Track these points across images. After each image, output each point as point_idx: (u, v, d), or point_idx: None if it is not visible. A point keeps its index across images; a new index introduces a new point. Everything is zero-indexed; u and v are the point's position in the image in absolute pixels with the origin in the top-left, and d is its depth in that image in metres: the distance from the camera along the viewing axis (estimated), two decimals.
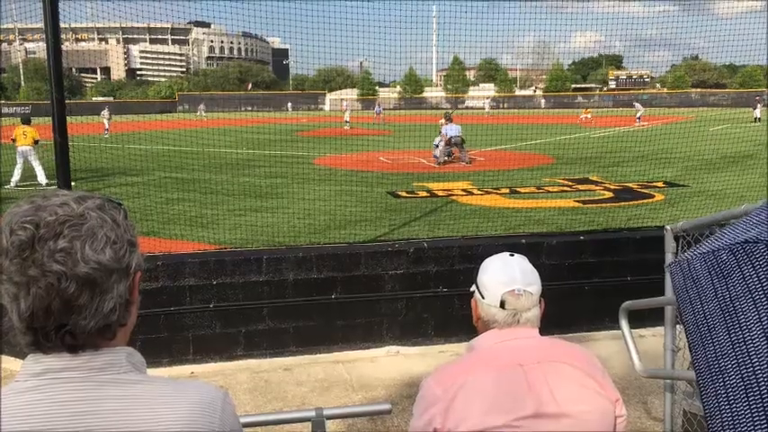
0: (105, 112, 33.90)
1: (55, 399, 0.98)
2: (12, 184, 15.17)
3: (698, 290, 0.87)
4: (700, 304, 0.86)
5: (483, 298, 1.85)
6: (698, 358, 0.85)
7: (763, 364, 0.75)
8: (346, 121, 37.86)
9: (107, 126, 32.39)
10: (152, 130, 32.05)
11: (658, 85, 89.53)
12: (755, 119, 35.66)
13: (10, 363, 4.65)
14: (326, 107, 79.30)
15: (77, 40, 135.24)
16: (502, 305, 1.80)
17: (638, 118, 37.98)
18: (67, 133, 4.91)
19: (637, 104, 41.90)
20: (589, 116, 42.62)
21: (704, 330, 0.84)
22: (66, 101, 5.06)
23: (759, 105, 37.16)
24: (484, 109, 59.50)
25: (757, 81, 77.98)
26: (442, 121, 21.49)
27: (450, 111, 25.52)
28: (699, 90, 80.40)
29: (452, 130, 20.30)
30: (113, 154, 18.23)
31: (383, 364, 5.62)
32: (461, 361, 1.84)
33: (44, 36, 4.68)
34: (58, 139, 4.82)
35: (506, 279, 1.82)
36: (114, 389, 1.01)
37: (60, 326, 0.99)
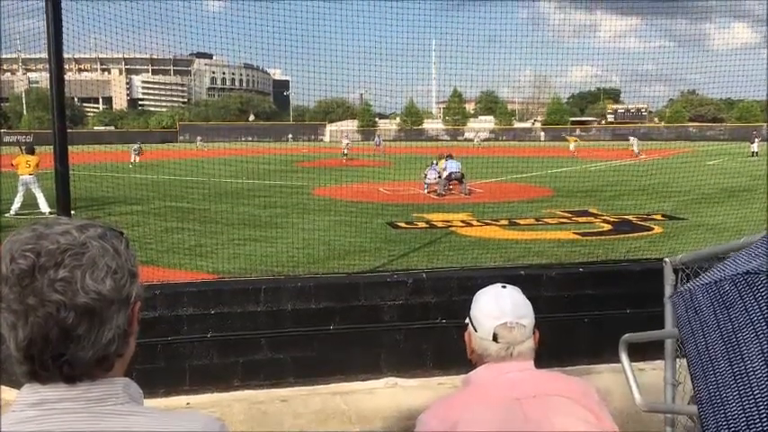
0: (135, 146, 33.85)
1: (52, 430, 0.97)
2: (12, 212, 15.19)
3: (700, 321, 0.88)
4: (702, 335, 0.86)
5: (476, 331, 1.84)
6: (700, 389, 0.84)
7: (765, 395, 0.75)
8: (344, 153, 37.43)
9: (134, 158, 32.22)
10: (153, 159, 32.17)
11: (656, 119, 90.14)
12: (753, 153, 35.83)
13: (5, 392, 4.61)
14: (327, 138, 79.72)
15: (80, 70, 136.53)
16: (494, 338, 1.78)
17: (638, 152, 38.20)
18: (68, 162, 4.93)
19: (632, 138, 42.20)
20: (572, 147, 42.63)
21: (706, 361, 0.84)
22: (68, 130, 5.09)
23: (757, 140, 37.38)
24: (473, 141, 59.27)
25: (754, 116, 78.58)
26: (435, 159, 22.19)
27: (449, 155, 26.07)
28: (696, 124, 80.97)
29: (453, 165, 20.72)
30: (114, 183, 18.28)
31: (381, 396, 5.57)
32: (457, 395, 1.82)
33: (47, 66, 4.73)
34: (59, 167, 4.83)
35: (498, 312, 1.81)
36: (112, 420, 1.00)
37: (58, 355, 0.98)
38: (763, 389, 0.75)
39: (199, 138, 58.44)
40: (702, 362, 0.85)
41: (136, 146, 34.22)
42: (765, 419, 0.73)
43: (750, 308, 0.80)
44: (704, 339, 0.86)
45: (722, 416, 0.79)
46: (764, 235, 0.94)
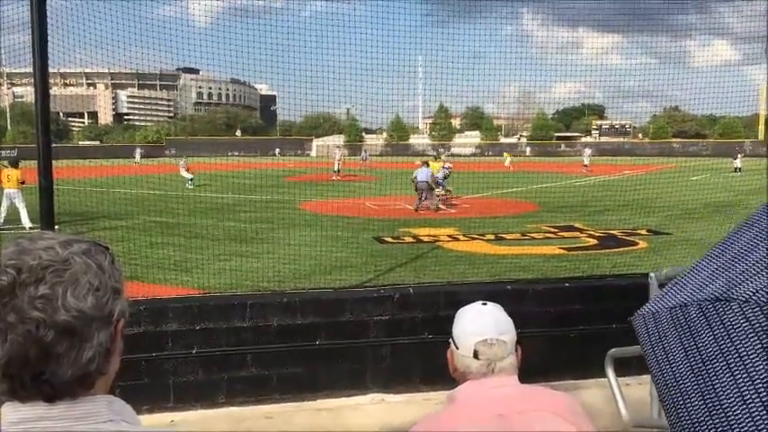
0: (182, 162, 31.93)
1: None
2: None
3: (664, 347, 0.85)
4: (668, 366, 0.84)
5: (457, 348, 1.84)
6: (672, 420, 0.82)
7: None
8: (337, 170, 34.65)
9: (185, 173, 30.38)
10: (138, 174, 31.97)
11: (640, 134, 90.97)
12: (736, 168, 36.24)
13: None
14: (313, 153, 79.64)
15: (66, 84, 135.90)
16: (475, 355, 1.79)
17: (586, 166, 39.05)
18: (53, 177, 4.90)
19: (586, 151, 43.04)
20: (507, 162, 42.77)
21: (677, 395, 0.81)
22: (53, 144, 5.05)
23: (740, 156, 37.84)
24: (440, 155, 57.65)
25: (737, 132, 79.50)
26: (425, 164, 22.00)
27: (439, 153, 26.37)
28: (680, 140, 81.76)
29: (420, 174, 20.54)
30: (98, 198, 18.15)
31: (367, 413, 5.53)
32: (442, 413, 1.82)
33: (32, 80, 4.70)
34: (44, 182, 4.79)
35: (478, 329, 1.81)
36: None
37: (37, 374, 0.96)
38: (742, 425, 0.73)
39: (138, 152, 55.47)
40: (672, 395, 0.82)
41: (182, 161, 32.12)
42: None
43: (720, 338, 0.78)
44: (671, 370, 0.83)
45: None
46: (719, 243, 0.92)
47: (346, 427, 5.22)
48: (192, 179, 29.45)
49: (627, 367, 5.50)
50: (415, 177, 20.46)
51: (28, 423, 0.96)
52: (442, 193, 21.77)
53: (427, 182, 20.23)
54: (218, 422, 5.26)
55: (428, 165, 21.35)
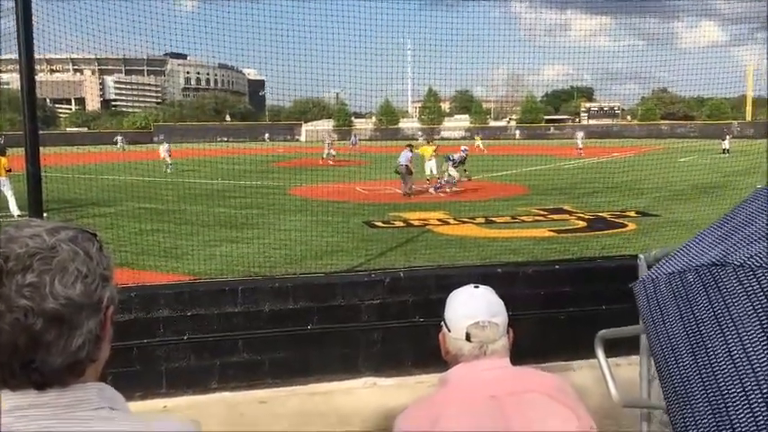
0: (164, 147, 31.71)
1: None
2: None
3: (662, 311, 0.88)
4: (663, 326, 0.86)
5: (449, 331, 1.85)
6: (665, 383, 0.84)
7: (730, 390, 0.75)
8: (330, 154, 34.08)
9: (168, 158, 30.43)
10: (126, 161, 31.78)
11: (629, 116, 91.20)
12: (724, 150, 36.42)
13: None
14: (303, 138, 79.39)
15: (52, 71, 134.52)
16: (467, 338, 1.79)
17: (580, 149, 39.06)
18: (40, 164, 4.85)
19: (578, 134, 42.98)
20: (477, 143, 42.42)
21: (669, 354, 0.84)
22: (40, 131, 5.01)
23: (728, 137, 38.02)
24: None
25: (724, 113, 79.86)
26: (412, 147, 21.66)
27: (431, 138, 26.10)
28: (668, 122, 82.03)
29: (402, 157, 20.30)
30: (87, 185, 18.02)
31: (360, 396, 5.56)
32: (434, 396, 1.82)
33: (18, 67, 4.64)
34: (31, 169, 4.75)
35: (471, 312, 1.82)
36: (83, 426, 0.98)
37: (27, 362, 0.95)
38: (729, 383, 0.75)
39: (119, 138, 53.74)
40: (665, 354, 0.85)
41: (165, 146, 31.90)
42: (733, 414, 0.74)
43: (714, 301, 0.80)
44: (666, 331, 0.86)
45: (689, 411, 0.79)
46: (720, 219, 0.94)
47: (339, 410, 5.25)
48: (170, 164, 29.47)
49: (617, 348, 5.55)
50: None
51: (18, 411, 0.96)
52: (459, 177, 21.32)
53: (406, 165, 19.94)
54: (211, 408, 5.27)
55: (411, 148, 21.03)
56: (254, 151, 43.37)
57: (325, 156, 33.86)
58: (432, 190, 20.93)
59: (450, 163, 21.27)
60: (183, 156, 33.27)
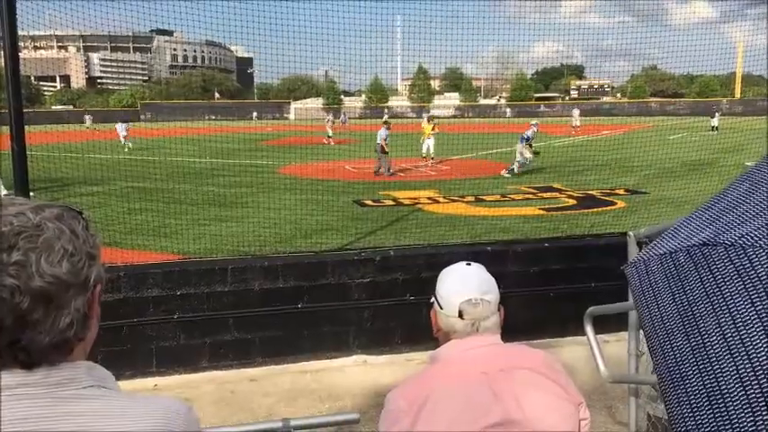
0: (121, 126, 31.60)
1: (12, 416, 0.94)
2: None
3: (654, 293, 0.88)
4: (656, 307, 0.86)
5: (441, 308, 1.85)
6: (659, 364, 0.85)
7: (724, 370, 0.75)
8: (329, 136, 32.48)
9: (123, 138, 30.54)
10: (114, 139, 31.53)
11: (618, 94, 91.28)
12: (713, 127, 36.53)
13: None
14: (291, 116, 78.97)
15: (36, 48, 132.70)
16: (460, 315, 1.79)
17: (575, 127, 38.77)
18: (25, 142, 4.80)
19: (574, 112, 42.38)
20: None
21: (662, 335, 0.84)
22: (25, 110, 4.94)
23: (717, 114, 38.10)
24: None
25: (713, 90, 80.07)
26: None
27: (431, 118, 25.03)
28: (657, 100, 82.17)
29: (379, 136, 19.41)
30: (73, 163, 17.88)
31: (351, 374, 5.59)
32: (425, 372, 1.83)
33: (1, 44, 4.57)
34: (16, 147, 4.70)
35: (463, 289, 1.82)
36: (74, 405, 0.97)
37: (13, 342, 0.94)
38: (722, 363, 0.75)
39: (88, 117, 50.99)
40: (659, 336, 0.85)
41: (121, 125, 31.64)
42: (727, 394, 0.74)
43: (706, 281, 0.81)
44: (659, 312, 0.86)
45: (683, 391, 0.79)
46: (710, 198, 0.94)
47: (330, 388, 5.28)
48: (127, 144, 29.63)
49: (605, 324, 5.60)
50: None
51: (7, 390, 0.95)
52: (529, 155, 19.56)
53: (381, 144, 19.18)
54: (202, 386, 5.29)
55: (388, 125, 20.18)
56: (243, 130, 43.15)
57: (331, 134, 32.72)
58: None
59: (524, 143, 19.63)
60: (170, 134, 33.07)
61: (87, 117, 50.93)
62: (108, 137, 31.95)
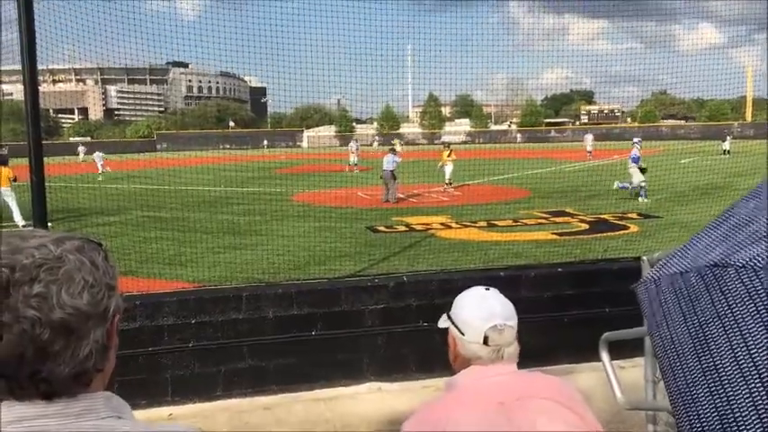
0: (98, 155, 33.50)
1: None
2: None
3: (664, 313, 0.88)
4: (667, 328, 0.87)
5: (463, 335, 1.80)
6: (670, 386, 0.85)
7: (736, 393, 0.75)
8: (354, 164, 30.82)
9: (100, 167, 32.02)
10: (130, 169, 31.87)
11: (629, 119, 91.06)
12: (724, 151, 36.32)
13: None
14: (305, 144, 79.44)
15: (55, 81, 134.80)
16: (485, 341, 1.76)
17: (589, 152, 38.53)
18: (44, 173, 4.88)
19: (587, 137, 42.04)
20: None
21: (673, 356, 0.84)
22: (43, 141, 5.03)
23: (728, 138, 37.92)
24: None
25: (724, 114, 79.75)
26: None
27: (448, 144, 25.02)
28: (668, 124, 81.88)
29: (385, 162, 19.23)
30: (90, 194, 18.08)
31: (365, 401, 5.56)
32: (441, 400, 1.80)
33: (21, 78, 4.67)
34: (35, 178, 4.78)
35: (487, 314, 1.78)
36: None
37: (34, 373, 0.95)
38: (734, 386, 0.75)
39: (81, 148, 46.45)
40: (669, 357, 0.85)
41: (98, 154, 33.83)
42: (740, 418, 0.74)
43: (717, 302, 0.81)
44: (669, 333, 0.86)
45: (694, 413, 0.79)
46: (720, 215, 0.94)
47: (344, 416, 5.25)
48: (102, 173, 30.74)
49: (621, 350, 5.55)
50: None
51: (26, 421, 0.96)
52: (639, 178, 18.61)
53: (391, 171, 19.00)
54: (217, 415, 5.28)
55: (395, 152, 20.03)
56: (257, 158, 43.37)
57: (351, 162, 31.66)
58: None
59: (635, 165, 18.80)
60: (185, 164, 33.26)
61: (81, 149, 47.08)
62: (145, 165, 32.58)
